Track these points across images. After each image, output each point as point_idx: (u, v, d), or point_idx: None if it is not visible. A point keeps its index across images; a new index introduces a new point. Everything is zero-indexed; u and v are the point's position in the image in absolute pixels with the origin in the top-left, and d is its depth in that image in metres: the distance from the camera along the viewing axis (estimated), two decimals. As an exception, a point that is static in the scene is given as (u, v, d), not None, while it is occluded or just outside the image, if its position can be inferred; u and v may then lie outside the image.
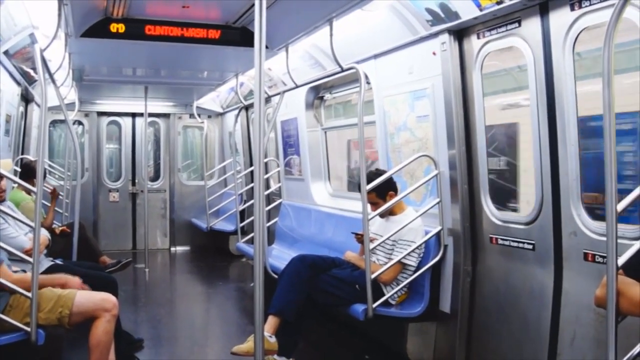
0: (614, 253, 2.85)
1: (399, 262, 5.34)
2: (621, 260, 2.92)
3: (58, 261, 5.85)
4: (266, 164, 9.73)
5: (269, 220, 8.93)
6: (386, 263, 5.39)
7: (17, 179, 4.86)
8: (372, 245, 5.27)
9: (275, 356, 5.17)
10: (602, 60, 2.79)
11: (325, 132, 8.50)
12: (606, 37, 2.80)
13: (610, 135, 2.81)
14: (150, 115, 11.79)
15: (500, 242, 4.88)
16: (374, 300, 5.16)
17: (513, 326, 4.74)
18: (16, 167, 7.96)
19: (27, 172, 6.84)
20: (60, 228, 6.59)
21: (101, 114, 12.86)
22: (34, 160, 7.28)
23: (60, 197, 9.26)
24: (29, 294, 4.23)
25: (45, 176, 7.60)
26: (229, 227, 11.24)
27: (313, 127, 8.45)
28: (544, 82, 4.30)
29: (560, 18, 4.09)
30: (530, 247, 4.55)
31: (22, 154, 8.96)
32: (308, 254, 5.72)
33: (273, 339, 5.06)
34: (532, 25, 4.35)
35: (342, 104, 8.78)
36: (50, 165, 11.13)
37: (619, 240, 2.90)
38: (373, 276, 5.14)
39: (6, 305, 4.36)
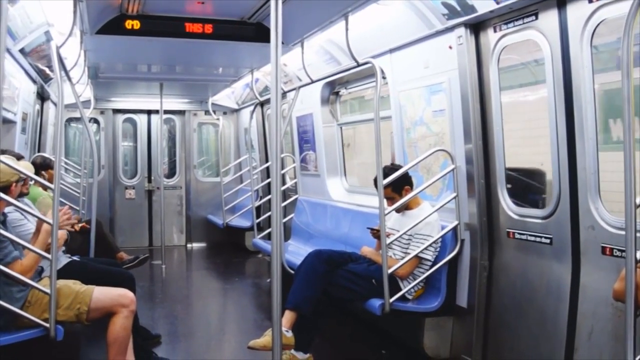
0: (632, 246, 2.84)
1: (416, 256, 5.34)
2: (640, 254, 2.90)
3: (76, 258, 5.88)
4: (282, 159, 9.72)
5: (285, 216, 8.92)
6: (403, 258, 5.38)
7: (36, 177, 4.86)
8: (388, 240, 5.25)
9: (292, 351, 5.18)
10: (622, 52, 2.78)
11: (341, 128, 8.49)
12: (625, 29, 2.78)
13: (629, 128, 2.79)
14: (166, 112, 11.83)
15: (517, 236, 4.86)
16: (391, 295, 5.16)
17: (530, 321, 4.72)
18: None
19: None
20: (81, 225, 6.62)
21: (117, 111, 12.90)
22: (39, 156, 7.30)
23: (77, 194, 9.34)
24: (48, 290, 4.26)
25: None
26: (245, 224, 11.26)
27: (329, 123, 8.44)
28: (561, 75, 4.27)
29: (577, 10, 4.06)
30: (548, 241, 4.52)
31: (39, 151, 9.01)
32: (324, 249, 5.72)
33: (290, 334, 5.07)
34: (549, 18, 4.31)
35: (357, 100, 8.77)
36: (66, 163, 11.17)
37: (638, 234, 2.88)
38: (390, 271, 5.14)
39: (25, 302, 4.39)
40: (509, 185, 5.03)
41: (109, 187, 12.59)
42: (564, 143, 4.30)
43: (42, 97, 9.26)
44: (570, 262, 4.31)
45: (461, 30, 5.05)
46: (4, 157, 4.43)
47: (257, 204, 10.51)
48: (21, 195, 4.94)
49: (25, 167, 4.83)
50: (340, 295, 5.40)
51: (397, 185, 5.50)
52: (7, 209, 4.59)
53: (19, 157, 5.78)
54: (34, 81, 7.93)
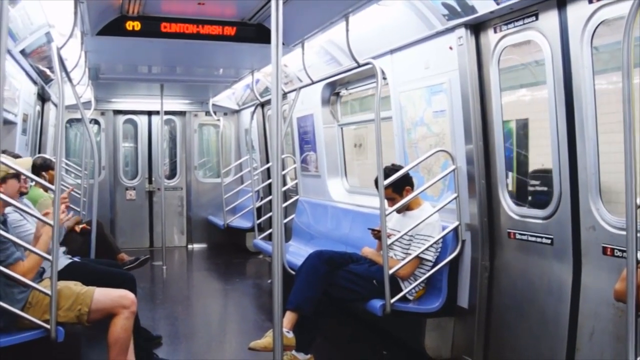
0: (633, 247, 2.84)
1: (417, 256, 5.33)
2: (641, 254, 2.90)
3: (76, 259, 5.87)
4: (282, 160, 9.73)
5: (285, 217, 8.92)
6: (404, 258, 5.38)
7: (36, 177, 4.86)
8: (389, 241, 5.25)
9: (294, 352, 5.19)
10: (622, 53, 2.78)
11: (342, 128, 8.48)
12: (625, 29, 2.78)
13: (630, 128, 2.79)
14: (166, 113, 11.82)
15: (518, 236, 4.86)
16: (392, 296, 5.15)
17: (531, 321, 4.72)
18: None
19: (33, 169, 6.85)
20: (81, 226, 6.63)
21: (117, 112, 12.90)
22: (40, 157, 7.31)
23: (78, 195, 9.34)
24: (48, 292, 4.26)
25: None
26: (246, 224, 11.26)
27: (329, 124, 8.44)
28: (561, 76, 4.26)
29: (578, 11, 4.06)
30: (549, 241, 4.52)
31: (39, 152, 9.01)
32: (325, 250, 5.73)
33: (291, 335, 5.07)
34: (549, 19, 4.31)
35: (358, 100, 8.77)
36: (66, 164, 11.17)
37: (639, 234, 2.88)
38: (391, 272, 5.14)
39: (25, 303, 4.38)
40: (544, 188, 5.02)
41: (109, 188, 12.59)
42: (564, 143, 4.29)
43: (43, 98, 9.25)
44: (571, 262, 4.30)
45: (461, 31, 5.04)
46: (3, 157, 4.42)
47: (258, 204, 10.52)
48: (21, 194, 4.95)
49: (23, 164, 4.80)
50: (341, 295, 5.40)
51: (398, 186, 5.49)
52: (7, 210, 4.59)
53: (17, 157, 5.77)
54: (35, 82, 7.93)
